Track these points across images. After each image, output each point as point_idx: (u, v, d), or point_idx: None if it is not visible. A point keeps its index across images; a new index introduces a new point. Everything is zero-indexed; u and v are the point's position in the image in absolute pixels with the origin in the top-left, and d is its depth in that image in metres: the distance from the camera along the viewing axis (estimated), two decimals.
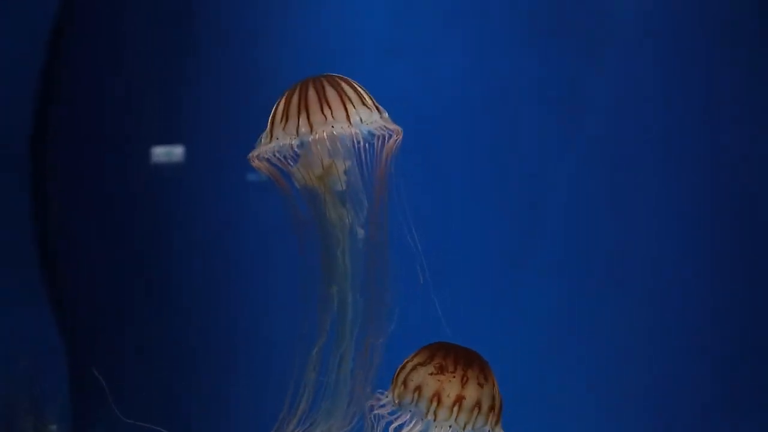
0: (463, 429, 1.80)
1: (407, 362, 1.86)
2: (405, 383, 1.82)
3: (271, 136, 2.00)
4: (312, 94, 1.97)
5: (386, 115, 2.03)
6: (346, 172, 2.06)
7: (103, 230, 3.06)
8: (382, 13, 2.89)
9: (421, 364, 1.82)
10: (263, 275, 2.97)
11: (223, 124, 2.92)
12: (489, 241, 2.98)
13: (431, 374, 1.80)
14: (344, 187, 2.06)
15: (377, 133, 2.00)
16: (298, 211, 2.06)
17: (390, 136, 2.03)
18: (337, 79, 1.99)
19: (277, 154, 2.00)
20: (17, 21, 2.88)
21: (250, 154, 2.03)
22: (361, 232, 2.11)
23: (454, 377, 1.80)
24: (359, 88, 2.01)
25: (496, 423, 1.84)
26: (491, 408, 1.82)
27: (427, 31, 2.95)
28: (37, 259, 3.09)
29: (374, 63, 2.76)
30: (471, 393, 1.79)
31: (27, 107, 2.99)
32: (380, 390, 1.90)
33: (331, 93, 1.97)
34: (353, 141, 2.00)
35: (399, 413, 1.86)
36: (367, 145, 2.01)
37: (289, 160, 2.01)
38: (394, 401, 1.85)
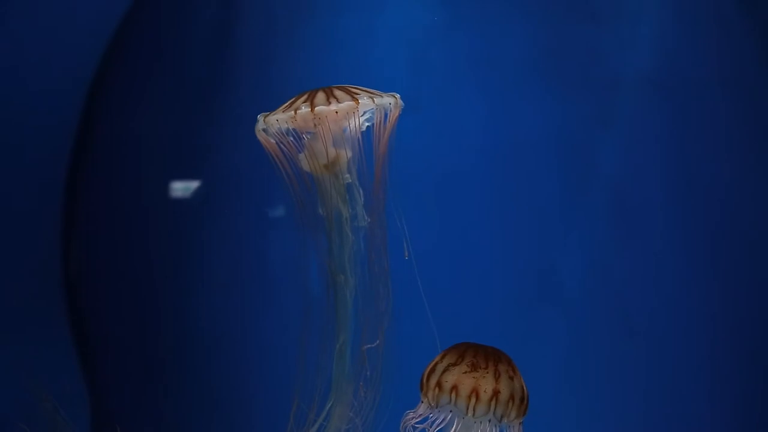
0: (499, 421, 1.85)
1: (436, 364, 1.90)
2: (440, 385, 1.86)
3: (272, 113, 2.08)
4: (320, 93, 2.08)
5: (394, 96, 2.13)
6: (349, 168, 2.14)
7: (127, 272, 3.11)
8: (400, 69, 2.97)
9: (454, 365, 1.87)
10: (280, 317, 2.99)
11: (244, 163, 3.02)
12: (503, 287, 3.01)
13: (465, 373, 1.85)
14: (349, 180, 2.15)
15: (380, 106, 2.10)
16: (300, 198, 2.15)
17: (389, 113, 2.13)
18: (347, 85, 2.10)
19: (283, 132, 2.09)
20: (60, 63, 2.99)
21: (257, 127, 2.12)
22: (364, 221, 2.18)
23: (487, 373, 1.85)
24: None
25: (525, 413, 1.89)
26: (522, 399, 1.87)
27: (443, 87, 3.01)
28: (63, 302, 3.12)
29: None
30: (505, 386, 1.85)
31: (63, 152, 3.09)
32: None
33: (338, 92, 2.08)
34: (355, 123, 2.09)
35: (432, 417, 1.90)
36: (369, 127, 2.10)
37: (294, 144, 2.10)
38: (430, 404, 1.88)
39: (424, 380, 1.92)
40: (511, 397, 1.85)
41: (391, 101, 2.12)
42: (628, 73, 2.97)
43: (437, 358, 1.93)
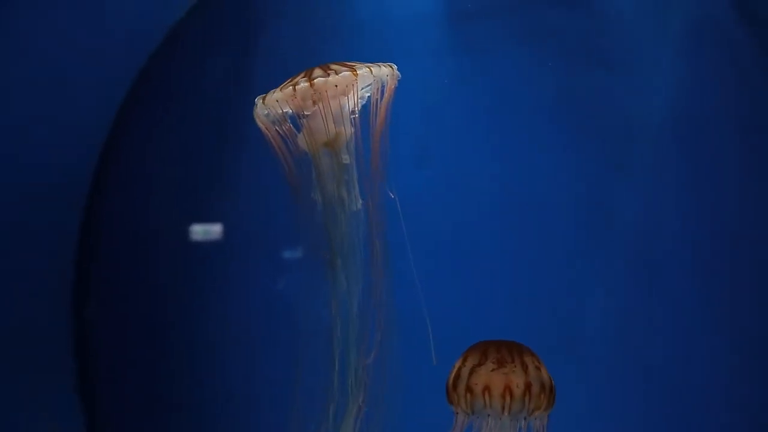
0: (531, 415, 1.80)
1: (460, 369, 1.85)
2: (470, 389, 1.81)
3: (270, 95, 2.05)
4: (318, 69, 2.03)
5: (389, 66, 2.10)
6: (348, 147, 2.11)
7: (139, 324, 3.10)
8: (412, 124, 2.93)
9: (479, 365, 1.83)
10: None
11: (260, 206, 3.04)
12: (520, 337, 2.94)
13: (493, 371, 1.81)
14: (347, 161, 2.11)
15: (377, 77, 2.05)
16: (297, 180, 2.13)
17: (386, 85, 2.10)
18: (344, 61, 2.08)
19: (280, 114, 2.04)
20: (87, 105, 3.06)
21: (255, 110, 2.08)
22: (359, 204, 2.15)
23: (515, 367, 1.81)
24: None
25: (554, 403, 1.86)
26: (551, 389, 1.84)
27: (456, 138, 3.01)
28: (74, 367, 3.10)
29: (406, 172, 2.84)
30: (534, 378, 1.81)
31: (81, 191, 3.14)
32: None
33: (335, 65, 2.04)
34: (354, 98, 2.04)
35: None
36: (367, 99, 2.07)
37: (293, 125, 2.08)
38: (465, 413, 1.83)
39: (451, 389, 1.86)
40: (542, 388, 1.81)
41: (388, 72, 2.08)
42: (645, 120, 2.97)
43: (458, 363, 1.88)
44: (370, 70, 2.04)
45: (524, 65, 3.01)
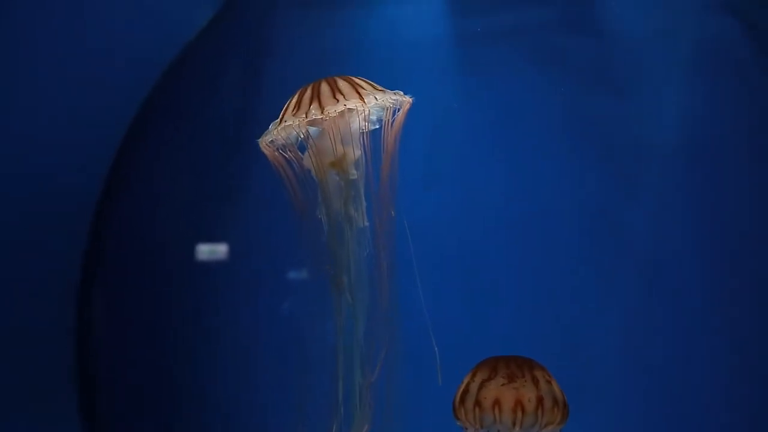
0: (544, 429, 1.78)
1: (468, 384, 1.83)
2: (479, 403, 1.78)
3: (282, 121, 2.04)
4: (325, 86, 2.03)
5: (399, 94, 2.11)
6: (355, 165, 2.11)
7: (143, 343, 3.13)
8: (421, 145, 2.94)
9: (488, 380, 1.80)
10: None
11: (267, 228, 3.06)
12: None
13: (503, 385, 1.78)
14: (355, 177, 2.11)
15: (388, 106, 2.05)
16: (302, 202, 2.14)
17: (398, 110, 2.10)
18: (350, 76, 2.08)
19: (288, 139, 2.05)
20: (100, 117, 3.11)
21: (261, 139, 2.09)
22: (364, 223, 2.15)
23: (526, 381, 1.78)
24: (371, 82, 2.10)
25: (567, 417, 1.83)
26: (564, 404, 1.82)
27: (465, 160, 3.02)
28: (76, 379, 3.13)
29: (414, 192, 2.74)
30: (546, 392, 1.78)
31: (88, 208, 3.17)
32: None
33: (343, 84, 2.04)
34: (364, 122, 2.04)
35: None
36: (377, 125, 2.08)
37: (299, 148, 2.08)
38: (474, 426, 1.81)
39: (458, 404, 1.83)
40: (555, 402, 1.79)
41: (398, 99, 2.08)
42: (651, 136, 2.97)
43: (467, 378, 1.85)
44: (375, 97, 2.05)
45: (532, 87, 3.03)
